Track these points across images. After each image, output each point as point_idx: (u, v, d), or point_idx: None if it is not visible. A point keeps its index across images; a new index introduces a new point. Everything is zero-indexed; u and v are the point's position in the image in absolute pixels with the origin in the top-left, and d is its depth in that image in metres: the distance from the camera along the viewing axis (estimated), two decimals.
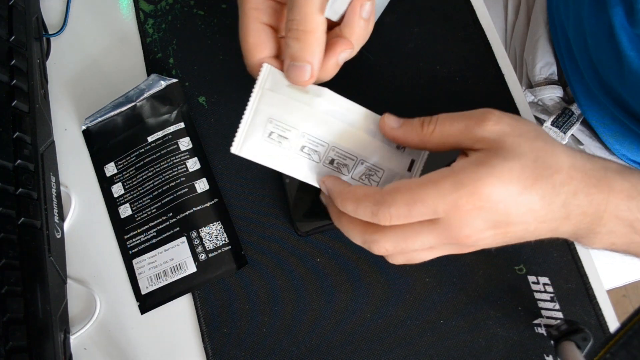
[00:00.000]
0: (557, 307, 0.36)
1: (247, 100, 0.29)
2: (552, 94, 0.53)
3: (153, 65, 0.45)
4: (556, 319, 0.36)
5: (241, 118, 0.29)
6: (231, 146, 0.29)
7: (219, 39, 0.45)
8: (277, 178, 0.40)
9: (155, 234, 0.40)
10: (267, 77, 0.29)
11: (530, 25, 0.57)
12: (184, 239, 0.39)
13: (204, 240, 0.39)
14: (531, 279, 0.37)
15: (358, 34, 0.28)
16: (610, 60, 0.43)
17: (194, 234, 0.39)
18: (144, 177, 0.41)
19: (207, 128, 0.43)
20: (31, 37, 0.44)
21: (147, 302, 0.39)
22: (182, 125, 0.42)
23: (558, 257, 0.37)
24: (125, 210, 0.41)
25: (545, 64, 0.54)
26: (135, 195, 0.41)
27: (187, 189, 0.40)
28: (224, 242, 0.39)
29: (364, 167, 0.30)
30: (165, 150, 0.41)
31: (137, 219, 0.40)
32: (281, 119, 0.29)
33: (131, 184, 0.41)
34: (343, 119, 0.30)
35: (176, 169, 0.41)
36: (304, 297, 0.38)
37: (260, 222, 0.40)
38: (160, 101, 0.42)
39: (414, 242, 0.26)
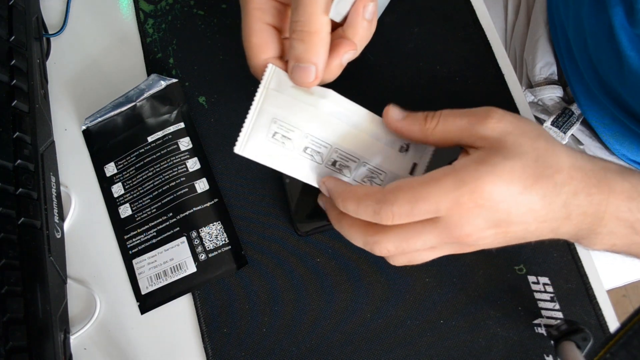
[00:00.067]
0: (557, 307, 0.36)
1: (250, 100, 0.29)
2: (552, 94, 0.53)
3: (153, 65, 0.45)
4: (556, 319, 0.36)
5: (245, 118, 0.29)
6: (234, 146, 0.29)
7: (219, 39, 0.45)
8: (277, 178, 0.40)
9: (155, 234, 0.40)
10: (272, 77, 0.29)
11: (530, 25, 0.57)
12: (184, 239, 0.39)
13: (204, 240, 0.39)
14: (531, 279, 0.37)
15: (361, 34, 0.28)
16: (610, 60, 0.43)
17: (194, 234, 0.39)
18: (144, 177, 0.41)
19: (207, 128, 0.43)
20: (31, 37, 0.44)
21: (147, 302, 0.39)
22: (182, 125, 0.42)
23: (558, 257, 0.37)
24: (125, 210, 0.41)
25: (545, 64, 0.54)
26: (135, 195, 0.41)
27: (187, 189, 0.40)
28: (224, 242, 0.39)
29: (366, 170, 0.30)
30: (165, 150, 0.41)
31: (137, 219, 0.40)
32: (285, 120, 0.29)
33: (131, 184, 0.41)
34: (347, 120, 0.30)
35: (176, 169, 0.41)
36: (304, 297, 0.38)
37: (260, 222, 0.40)
38: (160, 101, 0.42)
39: (415, 242, 0.26)
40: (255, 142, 0.29)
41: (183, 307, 0.39)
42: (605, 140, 0.52)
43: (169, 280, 0.39)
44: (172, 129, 0.42)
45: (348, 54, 0.28)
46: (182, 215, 0.40)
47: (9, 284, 0.33)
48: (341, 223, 0.29)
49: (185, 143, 0.41)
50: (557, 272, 0.37)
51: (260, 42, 0.29)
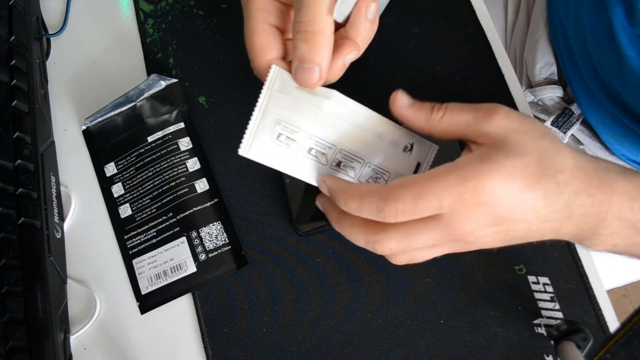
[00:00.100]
0: (557, 307, 0.36)
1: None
2: (552, 94, 0.53)
3: (153, 65, 0.45)
4: (556, 319, 0.36)
5: (246, 118, 0.29)
6: (239, 148, 0.29)
7: (219, 39, 0.45)
8: (277, 178, 0.40)
9: (155, 234, 0.40)
10: (275, 78, 0.29)
11: (530, 25, 0.57)
12: (184, 239, 0.39)
13: (204, 240, 0.39)
14: (531, 279, 0.37)
15: (363, 35, 0.28)
16: (610, 60, 0.43)
17: (194, 234, 0.39)
18: (144, 177, 0.41)
19: (207, 128, 0.43)
20: (31, 37, 0.44)
21: (147, 302, 0.39)
22: (182, 125, 0.42)
23: (558, 257, 0.37)
24: (125, 210, 0.41)
25: (545, 64, 0.54)
26: (135, 195, 0.41)
27: (187, 189, 0.40)
28: (224, 242, 0.39)
29: (370, 170, 0.30)
30: (165, 150, 0.41)
31: (137, 219, 0.40)
32: (289, 121, 0.29)
33: (131, 184, 0.41)
34: (350, 121, 0.29)
35: (176, 169, 0.41)
36: (304, 297, 0.38)
37: (260, 222, 0.40)
38: (160, 101, 0.42)
39: (417, 240, 0.26)
40: (260, 144, 0.29)
41: (183, 307, 0.39)
42: (605, 140, 0.52)
43: (169, 280, 0.39)
44: (172, 129, 0.42)
45: (351, 54, 0.28)
46: (182, 215, 0.40)
47: (9, 284, 0.33)
48: (341, 223, 0.29)
49: (185, 143, 0.41)
50: (557, 272, 0.37)
51: (263, 43, 0.29)
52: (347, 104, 0.29)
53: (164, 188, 0.40)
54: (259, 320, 0.38)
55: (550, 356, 0.36)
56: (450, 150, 0.29)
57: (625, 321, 0.24)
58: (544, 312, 0.36)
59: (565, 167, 0.25)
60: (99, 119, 0.43)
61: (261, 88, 0.29)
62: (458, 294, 0.37)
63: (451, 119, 0.27)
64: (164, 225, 0.40)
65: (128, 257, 0.40)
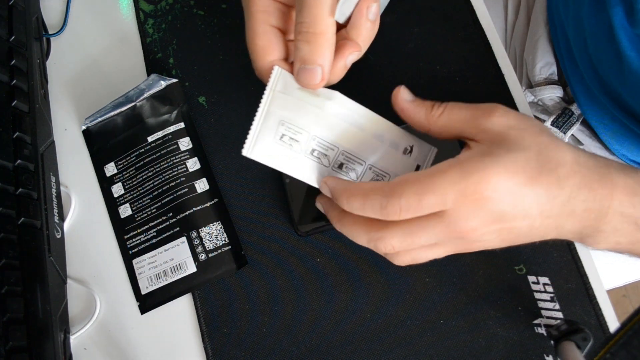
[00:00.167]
0: (557, 307, 0.36)
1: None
2: (552, 94, 0.53)
3: (153, 65, 0.45)
4: (556, 319, 0.36)
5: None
6: (242, 148, 0.29)
7: (219, 39, 0.45)
8: (277, 178, 0.40)
9: (155, 234, 0.40)
10: (278, 79, 0.29)
11: (530, 25, 0.57)
12: (184, 239, 0.39)
13: (204, 240, 0.39)
14: (531, 279, 0.37)
15: (365, 35, 0.28)
16: (610, 61, 0.43)
17: (194, 234, 0.39)
18: (144, 177, 0.41)
19: (207, 128, 0.43)
20: (31, 37, 0.44)
21: (147, 302, 0.39)
22: (182, 125, 0.42)
23: (558, 257, 0.37)
24: (125, 210, 0.41)
25: (545, 64, 0.54)
26: (135, 195, 0.41)
27: (187, 189, 0.40)
28: (224, 242, 0.39)
29: (371, 172, 0.30)
30: (165, 150, 0.41)
31: (137, 219, 0.40)
32: (293, 122, 0.29)
33: (131, 184, 0.41)
34: (352, 122, 0.29)
35: (176, 169, 0.41)
36: (304, 297, 0.38)
37: (260, 222, 0.40)
38: (160, 101, 0.42)
39: (420, 237, 0.26)
40: (263, 145, 0.29)
41: (183, 307, 0.39)
42: (605, 141, 0.52)
43: (169, 280, 0.39)
44: (172, 129, 0.42)
45: (352, 55, 0.28)
46: (182, 215, 0.40)
47: (9, 284, 0.33)
48: (343, 222, 0.29)
49: (185, 143, 0.41)
50: (557, 272, 0.37)
51: (265, 45, 0.29)
52: (348, 105, 0.29)
53: (164, 188, 0.40)
54: (259, 320, 0.38)
55: (550, 356, 0.36)
56: (450, 151, 0.29)
57: (625, 321, 0.24)
58: (544, 312, 0.36)
59: (565, 161, 0.25)
60: (99, 119, 0.43)
61: (262, 88, 0.29)
62: (458, 294, 0.37)
63: (450, 115, 0.28)
64: (164, 225, 0.40)
65: (128, 257, 0.40)
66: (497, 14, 0.61)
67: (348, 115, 0.29)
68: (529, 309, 0.37)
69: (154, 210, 0.40)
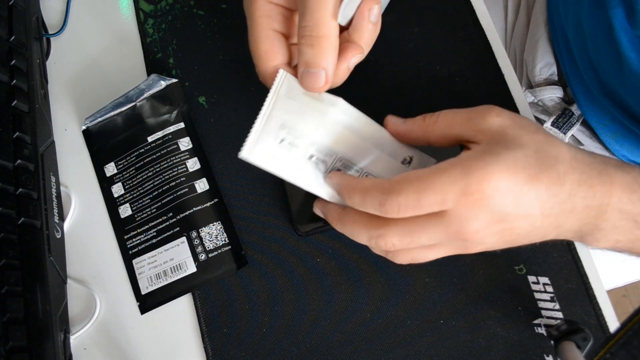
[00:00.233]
0: (557, 307, 0.36)
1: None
2: (552, 95, 0.53)
3: (153, 65, 0.45)
4: (556, 319, 0.36)
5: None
6: (240, 150, 0.28)
7: (219, 39, 0.45)
8: (277, 178, 0.40)
9: (155, 234, 0.40)
10: (282, 83, 0.28)
11: (530, 25, 0.57)
12: (184, 239, 0.39)
13: (204, 240, 0.39)
14: (531, 279, 0.37)
15: (367, 37, 0.28)
16: (610, 62, 0.43)
17: (194, 234, 0.39)
18: (144, 177, 0.41)
19: (207, 128, 0.43)
20: (31, 37, 0.44)
21: (147, 302, 0.39)
22: (182, 125, 0.42)
23: (558, 257, 0.37)
24: (125, 210, 0.41)
25: (545, 65, 0.54)
26: (135, 195, 0.41)
27: (187, 189, 0.40)
28: (224, 242, 0.39)
29: None
30: (165, 150, 0.41)
31: (137, 219, 0.40)
32: (294, 126, 0.29)
33: (131, 184, 0.41)
34: (354, 130, 0.29)
35: (176, 169, 0.41)
36: (304, 297, 0.38)
37: (260, 222, 0.40)
38: (160, 101, 0.42)
39: (420, 237, 0.26)
40: (262, 148, 0.28)
41: (183, 307, 0.39)
42: (605, 141, 0.52)
43: (169, 280, 0.39)
44: (172, 129, 0.42)
45: (355, 57, 0.28)
46: (182, 215, 0.40)
47: (9, 284, 0.33)
48: (343, 221, 0.29)
49: (185, 143, 0.41)
50: (557, 272, 0.37)
51: (268, 50, 0.29)
52: (351, 113, 0.29)
53: (164, 188, 0.40)
54: (259, 320, 0.38)
55: (550, 356, 0.36)
56: (447, 157, 0.29)
57: (625, 321, 0.24)
58: (544, 312, 0.36)
59: (563, 158, 0.26)
60: (99, 119, 0.43)
61: (263, 89, 0.29)
62: (458, 294, 0.37)
63: (446, 121, 0.27)
64: (164, 225, 0.40)
65: (128, 257, 0.40)
66: (497, 14, 0.61)
67: (350, 123, 0.29)
68: (529, 309, 0.37)
69: (154, 210, 0.40)
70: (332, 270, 0.39)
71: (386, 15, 0.44)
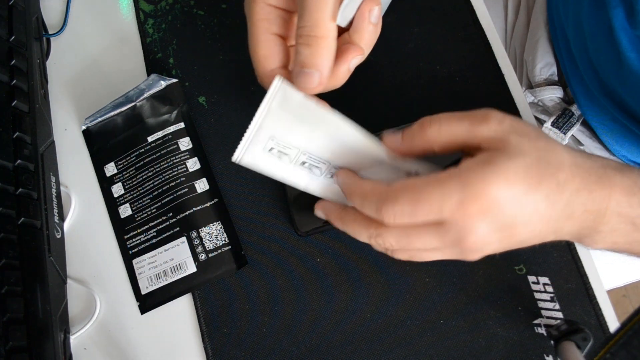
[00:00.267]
0: (557, 307, 0.36)
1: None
2: (552, 95, 0.53)
3: (153, 65, 0.45)
4: (556, 319, 0.36)
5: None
6: (233, 155, 0.29)
7: (219, 39, 0.45)
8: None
9: (155, 234, 0.40)
10: (277, 93, 0.28)
11: (530, 25, 0.57)
12: (184, 239, 0.39)
13: (204, 240, 0.39)
14: (531, 279, 0.37)
15: (367, 39, 0.28)
16: (610, 62, 0.43)
17: (194, 234, 0.39)
18: (144, 177, 0.41)
19: (207, 128, 0.43)
20: (31, 37, 0.44)
21: (147, 302, 0.39)
22: (182, 125, 0.42)
23: (558, 257, 0.37)
24: (125, 210, 0.41)
25: (545, 65, 0.54)
26: (135, 195, 0.41)
27: (187, 189, 0.40)
28: (224, 242, 0.39)
29: None
30: (165, 150, 0.41)
31: (137, 219, 0.40)
32: (283, 139, 0.28)
33: (131, 184, 0.41)
34: (349, 147, 0.29)
35: (176, 169, 0.41)
36: (304, 297, 0.38)
37: (260, 222, 0.40)
38: (160, 101, 0.42)
39: (416, 242, 0.26)
40: (252, 154, 0.29)
41: (183, 307, 0.39)
42: (605, 141, 0.52)
43: (169, 280, 0.39)
44: (172, 129, 0.42)
45: (355, 59, 0.28)
46: (182, 215, 0.40)
47: (9, 284, 0.33)
48: (344, 220, 0.29)
49: (185, 143, 0.41)
50: (557, 272, 0.37)
51: (267, 53, 0.29)
52: (345, 127, 0.28)
53: (164, 188, 0.40)
54: (259, 320, 0.38)
55: (550, 356, 0.36)
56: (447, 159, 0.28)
57: (625, 321, 0.24)
58: (544, 312, 0.36)
59: (564, 165, 0.25)
60: (99, 119, 0.43)
61: (263, 89, 0.29)
62: (458, 294, 0.37)
63: (450, 129, 0.27)
64: (164, 225, 0.40)
65: (128, 257, 0.40)
66: (497, 14, 0.61)
67: (344, 137, 0.28)
68: (529, 309, 0.37)
69: (154, 210, 0.40)
70: (332, 270, 0.39)
71: (386, 15, 0.44)
